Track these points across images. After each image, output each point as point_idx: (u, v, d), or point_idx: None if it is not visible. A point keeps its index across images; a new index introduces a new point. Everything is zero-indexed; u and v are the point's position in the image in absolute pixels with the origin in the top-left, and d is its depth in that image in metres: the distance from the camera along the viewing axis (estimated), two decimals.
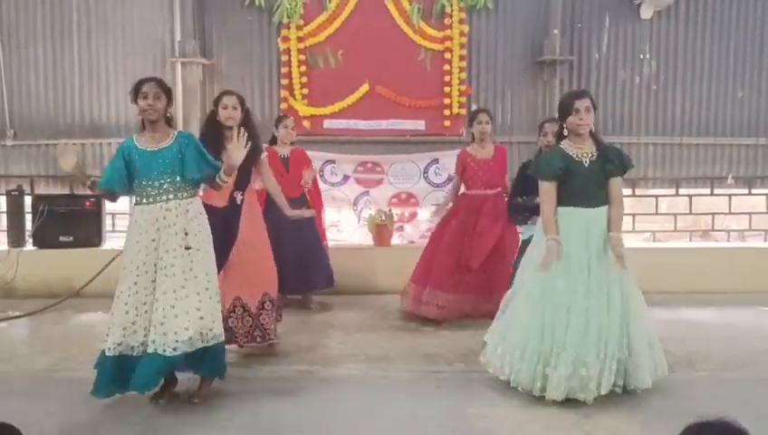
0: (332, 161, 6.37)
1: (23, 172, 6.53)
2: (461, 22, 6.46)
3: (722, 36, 6.67)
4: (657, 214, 6.98)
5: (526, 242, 3.92)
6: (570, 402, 3.17)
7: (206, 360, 3.18)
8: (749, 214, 6.86)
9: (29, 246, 5.99)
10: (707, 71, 6.70)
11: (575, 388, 3.15)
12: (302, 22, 6.40)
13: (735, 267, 5.99)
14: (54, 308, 5.34)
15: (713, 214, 6.91)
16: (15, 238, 5.99)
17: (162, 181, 3.13)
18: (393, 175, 6.45)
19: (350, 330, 4.72)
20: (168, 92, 3.19)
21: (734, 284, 5.84)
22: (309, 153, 5.49)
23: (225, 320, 3.51)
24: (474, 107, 6.54)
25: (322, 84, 6.48)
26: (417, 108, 6.51)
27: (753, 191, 6.84)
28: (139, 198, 3.19)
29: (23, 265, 5.77)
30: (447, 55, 6.47)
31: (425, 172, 6.43)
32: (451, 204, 5.02)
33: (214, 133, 3.77)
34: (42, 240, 5.95)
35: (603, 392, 3.18)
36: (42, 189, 6.48)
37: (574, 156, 3.34)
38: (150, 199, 3.14)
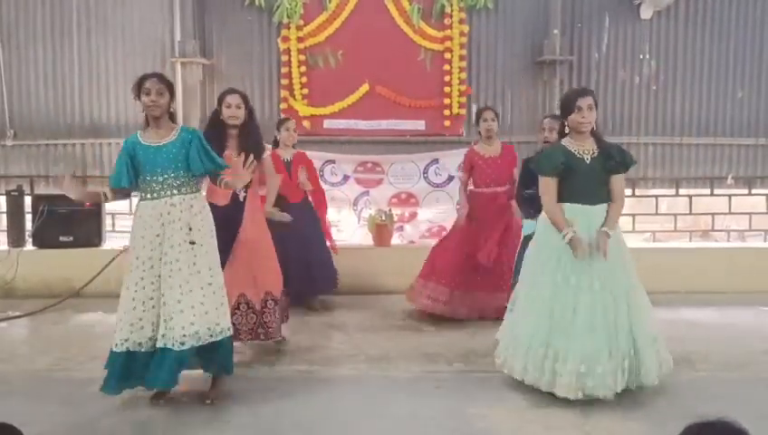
0: (332, 161, 6.37)
1: (23, 172, 6.52)
2: (461, 22, 6.46)
3: (722, 36, 6.67)
4: (657, 214, 6.98)
5: (528, 238, 3.92)
6: (569, 402, 3.17)
7: (216, 356, 3.20)
8: (749, 214, 6.86)
9: (29, 246, 5.99)
10: (707, 71, 6.70)
11: (594, 387, 3.12)
12: (302, 22, 6.39)
13: (735, 267, 5.98)
14: (54, 308, 5.34)
15: (713, 214, 6.90)
16: (15, 238, 5.99)
17: (166, 176, 3.14)
18: (393, 175, 6.44)
19: (350, 330, 4.71)
20: (170, 88, 3.20)
21: (734, 284, 5.83)
22: (309, 153, 5.49)
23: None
24: (474, 107, 6.55)
25: (322, 84, 6.48)
26: (417, 108, 6.51)
27: (753, 191, 6.84)
28: (143, 194, 3.20)
29: (23, 265, 5.77)
30: (447, 55, 6.46)
31: (425, 172, 6.43)
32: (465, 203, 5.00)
33: (217, 132, 3.78)
34: (42, 240, 5.94)
35: (619, 390, 3.17)
36: (42, 189, 6.47)
37: (576, 153, 3.35)
38: (155, 195, 3.15)
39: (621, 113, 6.69)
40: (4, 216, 6.22)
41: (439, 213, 6.46)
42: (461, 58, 6.48)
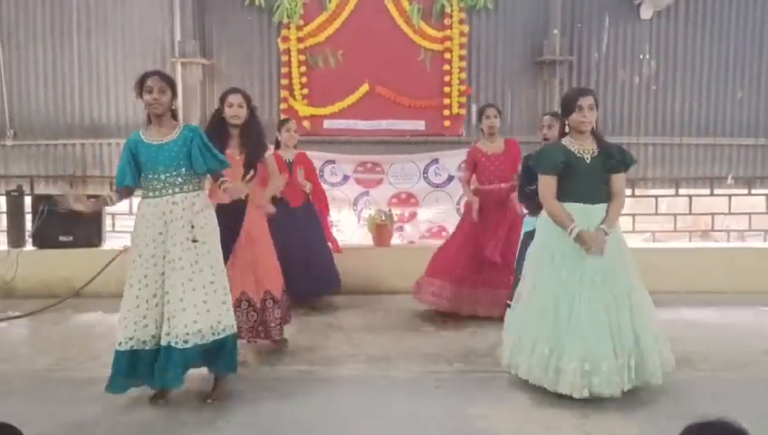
0: (332, 161, 6.37)
1: (23, 172, 6.52)
2: (461, 22, 6.46)
3: (722, 36, 6.67)
4: (656, 214, 6.98)
5: (528, 234, 3.91)
6: (570, 402, 3.17)
7: (220, 354, 3.20)
8: (749, 214, 6.86)
9: (29, 247, 5.99)
10: (707, 71, 6.70)
11: (600, 384, 3.11)
12: (302, 22, 6.40)
13: (735, 267, 5.98)
14: (54, 308, 5.34)
15: (713, 214, 6.90)
16: (15, 238, 5.99)
17: (168, 175, 3.14)
18: (393, 175, 6.44)
19: (349, 330, 4.71)
20: (172, 86, 3.20)
21: (733, 284, 5.84)
22: (309, 153, 5.49)
23: None
24: (474, 107, 6.56)
25: (322, 84, 6.48)
26: (417, 108, 6.52)
27: (753, 191, 6.84)
28: (145, 192, 3.21)
29: (22, 265, 5.77)
30: (447, 55, 6.47)
31: (425, 172, 6.43)
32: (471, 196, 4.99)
33: (219, 131, 3.78)
34: (41, 240, 5.94)
35: (626, 389, 3.17)
36: (42, 189, 6.47)
37: (576, 152, 3.36)
38: (156, 193, 3.16)
39: (621, 113, 6.69)
40: (5, 216, 6.22)
41: (439, 213, 6.46)
42: (461, 58, 6.49)
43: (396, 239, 6.39)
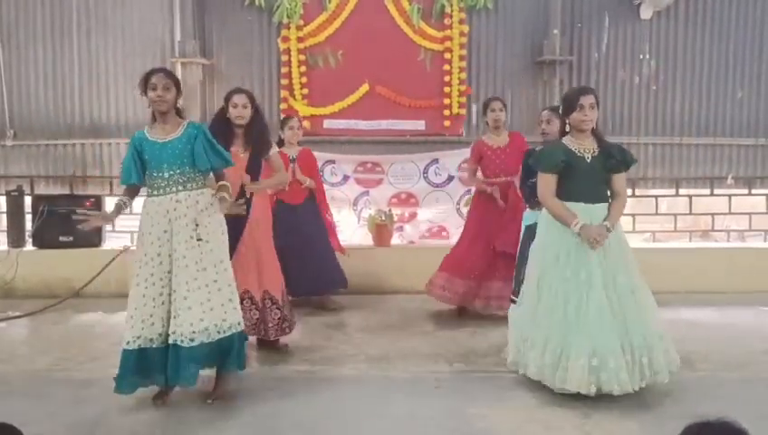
0: (332, 161, 6.37)
1: (23, 172, 6.52)
2: (461, 22, 6.46)
3: (722, 36, 6.67)
4: (657, 214, 6.98)
5: (529, 228, 3.91)
6: (570, 402, 3.17)
7: (229, 353, 3.21)
8: (749, 214, 6.86)
9: (29, 247, 5.99)
10: (707, 71, 6.70)
11: (607, 380, 3.10)
12: (302, 22, 6.40)
13: (735, 267, 5.98)
14: (54, 308, 5.34)
15: (713, 214, 6.90)
16: (15, 238, 5.99)
17: (172, 173, 3.14)
18: (393, 175, 6.44)
19: (350, 330, 4.72)
20: (177, 83, 3.20)
21: (734, 284, 5.83)
22: None
23: None
24: (474, 107, 6.57)
25: (322, 84, 6.48)
26: (417, 108, 6.51)
27: (753, 191, 6.84)
28: (150, 190, 3.20)
29: (22, 265, 5.77)
30: (447, 55, 6.47)
31: (425, 172, 6.43)
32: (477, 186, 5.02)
33: (223, 130, 3.79)
34: (41, 240, 5.94)
35: (637, 388, 3.17)
36: (42, 190, 6.47)
37: (576, 152, 3.35)
38: (161, 191, 3.15)
39: (621, 113, 6.69)
40: (5, 216, 6.22)
41: (439, 213, 6.46)
42: (461, 58, 6.48)
43: (396, 239, 6.39)
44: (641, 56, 6.62)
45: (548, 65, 6.50)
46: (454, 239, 6.37)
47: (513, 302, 3.99)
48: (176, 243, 3.11)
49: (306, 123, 6.38)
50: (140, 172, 3.20)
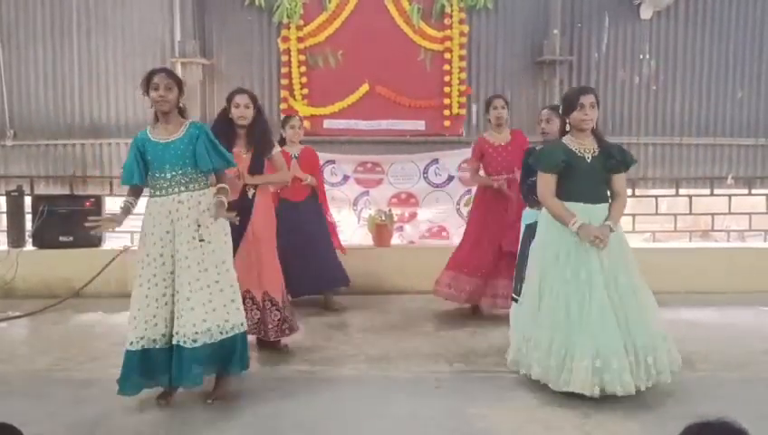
0: (332, 161, 6.37)
1: (23, 172, 6.52)
2: (461, 22, 6.46)
3: (722, 36, 6.67)
4: (657, 214, 6.98)
5: (529, 226, 3.90)
6: (570, 402, 3.17)
7: (233, 354, 3.21)
8: (749, 214, 6.86)
9: (29, 247, 5.99)
10: (707, 71, 6.70)
11: (611, 381, 3.10)
12: (301, 22, 6.40)
13: (735, 267, 5.98)
14: (54, 308, 5.34)
15: (713, 214, 6.90)
16: (15, 238, 5.99)
17: (174, 173, 3.14)
18: (393, 175, 6.44)
19: (350, 330, 4.72)
20: (179, 83, 3.20)
21: (734, 284, 5.84)
22: None
23: None
24: (474, 107, 6.57)
25: (322, 84, 6.48)
26: (417, 108, 6.51)
27: (753, 191, 6.84)
28: (152, 191, 3.20)
29: (22, 265, 5.77)
30: (447, 55, 6.47)
31: (425, 172, 6.43)
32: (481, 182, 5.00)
33: (225, 131, 3.80)
34: (41, 240, 5.94)
35: (643, 388, 3.17)
36: (42, 190, 6.47)
37: (577, 152, 3.35)
38: (163, 192, 3.15)
39: (621, 113, 6.69)
40: (5, 216, 6.22)
41: (439, 213, 6.46)
42: (461, 58, 6.49)
43: (396, 239, 6.39)
44: (641, 56, 6.62)
45: (548, 65, 6.50)
46: (454, 239, 6.39)
47: (515, 301, 3.99)
48: (178, 244, 3.10)
49: (306, 123, 6.37)
50: (143, 173, 3.19)
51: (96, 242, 6.00)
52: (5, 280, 5.75)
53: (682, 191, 6.80)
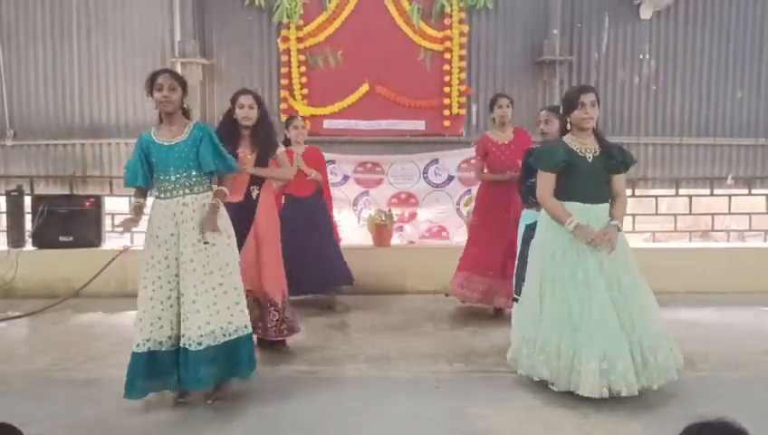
0: (332, 161, 6.36)
1: (23, 172, 6.52)
2: (461, 22, 6.46)
3: (722, 36, 6.67)
4: (657, 214, 6.98)
5: (530, 226, 3.90)
6: (570, 402, 3.17)
7: (239, 357, 3.20)
8: (749, 214, 6.86)
9: (29, 247, 5.99)
10: (707, 71, 6.71)
11: (616, 382, 3.10)
12: (301, 22, 6.40)
13: (735, 267, 5.98)
14: (54, 308, 5.34)
15: (713, 214, 6.90)
16: (15, 238, 5.99)
17: (178, 176, 3.13)
18: (393, 175, 6.45)
19: (350, 330, 4.72)
20: (183, 84, 3.19)
21: (734, 284, 5.84)
22: None
23: None
24: (474, 107, 6.58)
25: (322, 84, 6.48)
26: (417, 108, 6.52)
27: (753, 191, 6.84)
28: (157, 193, 3.20)
29: (22, 265, 5.77)
30: (447, 55, 6.47)
31: (424, 172, 6.43)
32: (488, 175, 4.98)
33: (230, 132, 3.81)
34: (41, 240, 5.94)
35: (656, 386, 3.17)
36: (41, 190, 6.48)
37: (578, 151, 3.34)
38: (167, 194, 3.15)
39: (621, 113, 6.69)
40: (4, 216, 6.22)
41: (439, 213, 6.46)
42: (461, 58, 6.49)
43: (396, 239, 6.39)
44: (641, 56, 6.63)
45: (548, 65, 6.50)
46: (454, 239, 6.41)
47: (515, 301, 3.99)
48: (182, 246, 3.10)
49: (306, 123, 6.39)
50: (147, 174, 3.18)
51: (96, 242, 6.01)
52: (5, 280, 5.75)
53: (682, 191, 6.80)
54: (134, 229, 6.23)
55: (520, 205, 4.62)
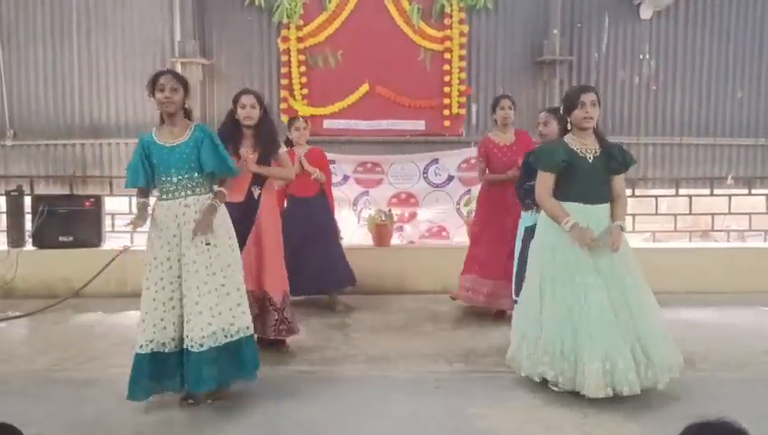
0: (332, 161, 6.33)
1: (23, 172, 6.52)
2: (461, 22, 6.46)
3: (722, 36, 6.67)
4: (657, 214, 6.98)
5: (529, 229, 3.90)
6: (570, 402, 3.17)
7: (243, 359, 3.20)
8: (749, 214, 6.86)
9: (29, 247, 5.98)
10: (707, 71, 6.70)
11: (618, 381, 3.10)
12: (301, 22, 6.40)
13: (735, 267, 5.98)
14: (54, 308, 5.34)
15: (713, 214, 6.90)
16: (15, 238, 5.99)
17: (180, 177, 3.13)
18: (393, 175, 6.44)
19: (350, 330, 4.71)
20: (185, 85, 3.19)
21: (734, 284, 5.84)
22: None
23: None
24: (474, 107, 6.58)
25: (322, 84, 6.48)
26: (417, 108, 6.52)
27: (753, 191, 6.84)
28: (159, 194, 3.20)
29: (22, 265, 5.77)
30: (447, 55, 6.47)
31: (424, 172, 6.43)
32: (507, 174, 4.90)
33: (232, 131, 3.82)
34: (41, 240, 5.94)
35: (662, 386, 3.17)
36: (41, 190, 6.48)
37: (578, 151, 3.33)
38: (169, 195, 3.15)
39: (621, 113, 6.69)
40: (4, 216, 6.22)
41: (439, 213, 6.46)
42: (461, 58, 6.49)
43: (396, 239, 6.39)
44: (641, 56, 6.63)
45: (548, 65, 6.50)
46: (454, 239, 6.40)
47: (515, 302, 3.99)
48: (185, 247, 3.09)
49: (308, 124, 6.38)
50: (149, 175, 3.17)
51: (96, 242, 6.01)
52: (5, 280, 5.74)
53: (682, 191, 6.80)
54: (130, 230, 6.33)
55: (519, 206, 4.63)
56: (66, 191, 6.46)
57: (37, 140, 6.52)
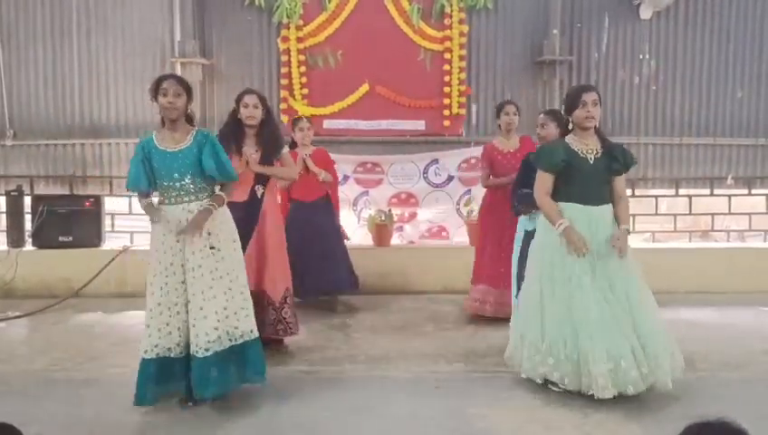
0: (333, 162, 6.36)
1: (22, 172, 6.52)
2: (461, 22, 6.46)
3: (722, 36, 6.67)
4: (656, 214, 6.98)
5: (529, 233, 3.90)
6: (570, 402, 3.17)
7: (247, 363, 3.19)
8: (749, 214, 6.86)
9: (28, 247, 5.98)
10: (707, 71, 6.70)
11: (623, 382, 3.10)
12: (301, 22, 6.40)
13: (735, 267, 5.98)
14: (54, 308, 5.34)
15: (713, 214, 6.90)
16: (15, 238, 5.99)
17: (183, 183, 3.12)
18: (393, 175, 6.45)
19: (350, 330, 4.71)
20: (188, 90, 3.17)
21: (733, 284, 5.84)
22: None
23: None
24: (474, 107, 6.58)
25: (322, 84, 6.48)
26: (417, 108, 6.52)
27: (753, 191, 6.84)
28: (161, 199, 3.19)
29: (22, 265, 5.77)
30: (447, 55, 6.47)
31: (424, 172, 6.43)
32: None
33: (235, 131, 3.83)
34: (41, 240, 5.94)
35: (671, 385, 3.16)
36: (41, 190, 6.48)
37: (579, 152, 3.33)
38: (172, 200, 3.14)
39: (621, 113, 6.69)
40: (4, 216, 6.22)
41: (439, 213, 6.46)
42: (461, 58, 6.49)
43: (396, 239, 6.39)
44: (641, 56, 6.63)
45: (548, 65, 6.50)
46: (454, 239, 6.40)
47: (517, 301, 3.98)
48: (188, 253, 3.08)
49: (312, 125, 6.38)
50: (150, 178, 3.15)
51: (96, 242, 6.01)
52: (5, 280, 5.74)
53: (682, 191, 6.80)
54: (134, 230, 6.34)
55: None
56: (66, 191, 6.46)
57: (37, 140, 6.52)
